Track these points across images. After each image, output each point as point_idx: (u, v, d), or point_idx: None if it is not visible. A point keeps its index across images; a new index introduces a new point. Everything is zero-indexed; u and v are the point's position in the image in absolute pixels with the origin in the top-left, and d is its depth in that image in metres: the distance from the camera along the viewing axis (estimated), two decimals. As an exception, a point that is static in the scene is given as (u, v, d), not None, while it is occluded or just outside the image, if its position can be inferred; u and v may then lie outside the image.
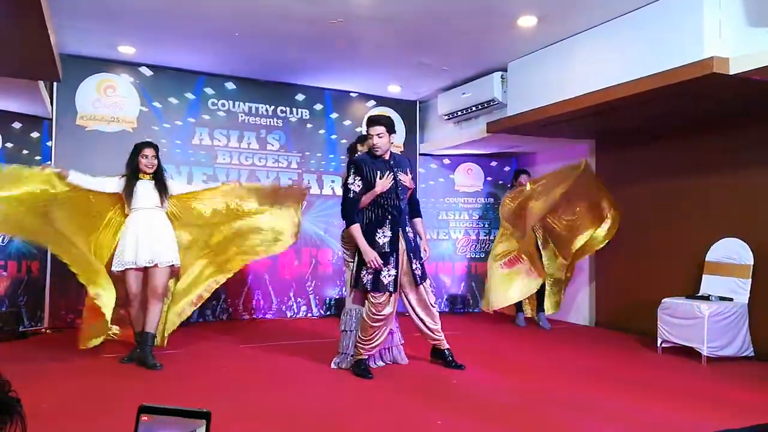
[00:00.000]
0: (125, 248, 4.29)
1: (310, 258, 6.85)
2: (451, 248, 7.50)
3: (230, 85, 6.54)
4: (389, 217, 3.98)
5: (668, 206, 5.67)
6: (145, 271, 4.32)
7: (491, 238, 7.42)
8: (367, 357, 4.09)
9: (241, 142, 6.58)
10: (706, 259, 5.09)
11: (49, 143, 5.75)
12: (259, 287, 6.59)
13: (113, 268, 4.31)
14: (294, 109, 6.84)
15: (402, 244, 4.01)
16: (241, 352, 4.84)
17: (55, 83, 5.58)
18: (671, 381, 4.13)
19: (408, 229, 4.09)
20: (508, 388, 3.84)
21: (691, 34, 4.01)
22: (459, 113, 6.52)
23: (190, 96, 6.37)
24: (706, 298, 4.79)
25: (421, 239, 4.25)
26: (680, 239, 5.51)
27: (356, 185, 3.94)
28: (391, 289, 3.93)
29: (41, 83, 4.92)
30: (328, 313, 6.82)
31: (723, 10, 3.92)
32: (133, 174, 4.38)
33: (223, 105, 6.52)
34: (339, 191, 6.91)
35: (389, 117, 4.15)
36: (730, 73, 3.78)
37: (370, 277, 3.93)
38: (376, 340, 4.04)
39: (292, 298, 6.76)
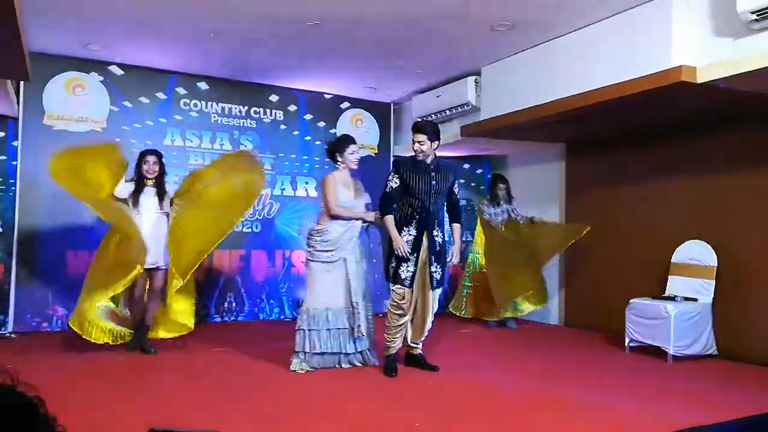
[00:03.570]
0: None
1: (283, 260, 6.82)
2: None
3: (203, 85, 6.47)
4: (417, 217, 4.15)
5: (636, 209, 5.83)
6: (148, 272, 4.71)
7: (463, 239, 7.50)
8: (395, 352, 4.24)
9: (214, 143, 6.51)
10: (672, 261, 5.25)
11: (15, 143, 5.60)
12: (231, 289, 6.53)
13: None
14: (268, 110, 6.80)
15: (424, 245, 4.15)
16: (212, 357, 4.79)
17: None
18: (638, 379, 4.25)
19: (437, 232, 4.19)
20: (482, 388, 3.90)
21: (660, 43, 4.13)
22: (433, 116, 6.57)
23: (161, 96, 6.28)
24: (672, 298, 4.94)
25: (454, 244, 4.36)
26: (647, 241, 5.66)
27: (393, 182, 4.21)
28: (407, 284, 4.13)
29: (8, 81, 4.79)
30: (302, 315, 6.79)
31: (691, 20, 4.06)
32: (139, 179, 4.79)
33: (196, 105, 6.44)
34: (312, 193, 6.95)
35: (433, 124, 4.34)
36: (698, 82, 3.90)
37: (393, 270, 4.16)
38: (400, 331, 4.22)
39: (265, 300, 6.72)
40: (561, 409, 3.45)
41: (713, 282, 4.91)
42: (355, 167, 4.46)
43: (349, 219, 4.32)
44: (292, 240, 6.88)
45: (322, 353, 4.25)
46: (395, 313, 4.20)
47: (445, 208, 4.34)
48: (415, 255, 4.14)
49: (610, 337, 5.63)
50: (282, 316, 6.76)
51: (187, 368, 4.37)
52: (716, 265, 4.92)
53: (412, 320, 4.33)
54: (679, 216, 5.39)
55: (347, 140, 4.48)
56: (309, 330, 4.22)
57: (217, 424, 3.04)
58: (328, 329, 4.23)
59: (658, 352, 4.82)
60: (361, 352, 4.37)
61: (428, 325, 4.32)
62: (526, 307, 6.40)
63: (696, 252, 5.08)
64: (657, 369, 4.57)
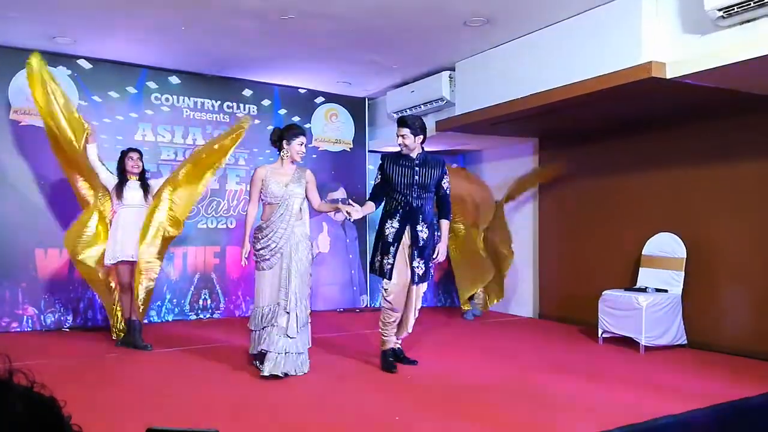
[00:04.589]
0: (115, 243, 4.78)
1: (259, 256, 6.76)
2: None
3: (174, 80, 6.37)
4: (400, 211, 4.16)
5: (607, 202, 5.93)
6: (130, 264, 4.82)
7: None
8: (390, 347, 4.23)
9: (186, 138, 6.42)
10: (643, 253, 5.36)
11: (-21, 139, 5.45)
12: (206, 286, 6.46)
13: (105, 261, 4.81)
14: (241, 105, 6.73)
15: (406, 240, 4.14)
16: (187, 356, 4.74)
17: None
18: (611, 369, 4.34)
19: (421, 227, 4.14)
20: (461, 380, 3.94)
21: (630, 39, 4.20)
22: (408, 111, 6.58)
23: (131, 90, 6.17)
24: (643, 290, 5.05)
25: (440, 241, 4.29)
26: (619, 234, 5.77)
27: (377, 178, 4.31)
28: (387, 276, 4.13)
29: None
30: (278, 311, 6.76)
31: (660, 17, 4.13)
32: (121, 175, 4.92)
33: (167, 100, 6.34)
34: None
35: (417, 119, 4.25)
36: (667, 77, 3.98)
37: (378, 263, 4.17)
38: (393, 326, 4.21)
39: (241, 297, 6.66)
40: (535, 400, 3.51)
41: (683, 273, 5.02)
42: (299, 161, 4.19)
43: (245, 232, 4.13)
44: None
45: (270, 353, 3.94)
46: (385, 308, 4.20)
47: (433, 204, 4.29)
48: (394, 247, 4.12)
49: (583, 328, 5.73)
50: (258, 313, 6.71)
51: (159, 368, 4.32)
52: (685, 256, 5.04)
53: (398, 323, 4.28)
54: (650, 209, 5.50)
55: (298, 130, 4.19)
56: (254, 330, 4.04)
57: (202, 421, 3.02)
58: (264, 327, 3.97)
59: (630, 343, 4.92)
60: (297, 353, 3.97)
61: (410, 321, 4.30)
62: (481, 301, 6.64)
63: (666, 244, 5.19)
64: (629, 359, 4.67)
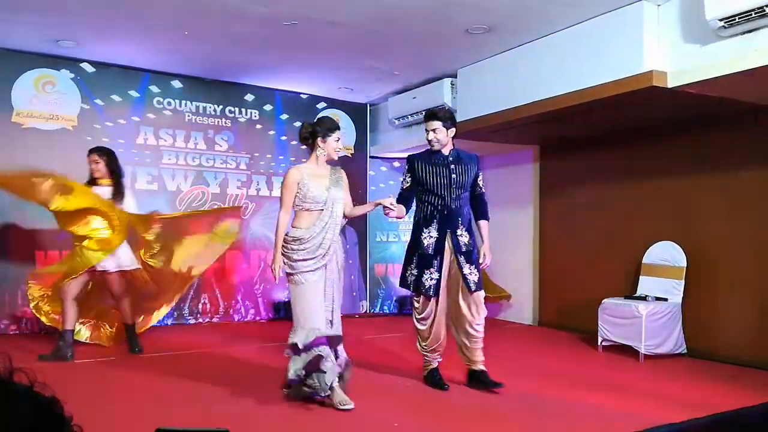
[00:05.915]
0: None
1: (259, 260, 6.77)
2: (400, 250, 7.56)
3: (177, 84, 6.39)
4: (437, 216, 3.75)
5: (608, 210, 5.93)
6: (103, 275, 4.62)
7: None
8: (436, 365, 3.90)
9: (188, 142, 6.44)
10: (643, 261, 5.35)
11: (-19, 141, 5.46)
12: (205, 290, 6.46)
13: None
14: (243, 110, 6.75)
15: (448, 249, 3.75)
16: (189, 358, 4.73)
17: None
18: (610, 377, 4.34)
19: (461, 231, 3.76)
20: (459, 388, 3.92)
21: (631, 48, 4.21)
22: (409, 117, 6.60)
23: (134, 94, 6.19)
24: (643, 298, 5.04)
25: (483, 243, 3.95)
26: (619, 242, 5.77)
27: (405, 182, 3.90)
28: (430, 293, 3.72)
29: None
30: (277, 316, 6.76)
31: (661, 26, 4.15)
32: (91, 178, 4.70)
33: (169, 104, 6.36)
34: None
35: (446, 110, 3.95)
36: (668, 86, 3.99)
37: (413, 278, 3.78)
38: (432, 340, 3.83)
39: (240, 301, 6.66)
40: (533, 408, 3.50)
41: (683, 282, 5.01)
42: (336, 159, 3.75)
43: (275, 241, 3.57)
44: (269, 241, 6.82)
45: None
46: (420, 327, 3.83)
47: (469, 204, 3.89)
48: (438, 259, 3.72)
49: (583, 336, 5.71)
50: (258, 318, 6.71)
51: (157, 372, 4.31)
52: (685, 265, 5.03)
53: (467, 337, 3.81)
54: (650, 217, 5.50)
55: (333, 124, 3.68)
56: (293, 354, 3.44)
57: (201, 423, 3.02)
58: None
59: (629, 351, 4.91)
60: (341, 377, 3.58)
61: (479, 329, 3.81)
62: None
63: (666, 253, 5.19)
64: (629, 367, 4.66)
